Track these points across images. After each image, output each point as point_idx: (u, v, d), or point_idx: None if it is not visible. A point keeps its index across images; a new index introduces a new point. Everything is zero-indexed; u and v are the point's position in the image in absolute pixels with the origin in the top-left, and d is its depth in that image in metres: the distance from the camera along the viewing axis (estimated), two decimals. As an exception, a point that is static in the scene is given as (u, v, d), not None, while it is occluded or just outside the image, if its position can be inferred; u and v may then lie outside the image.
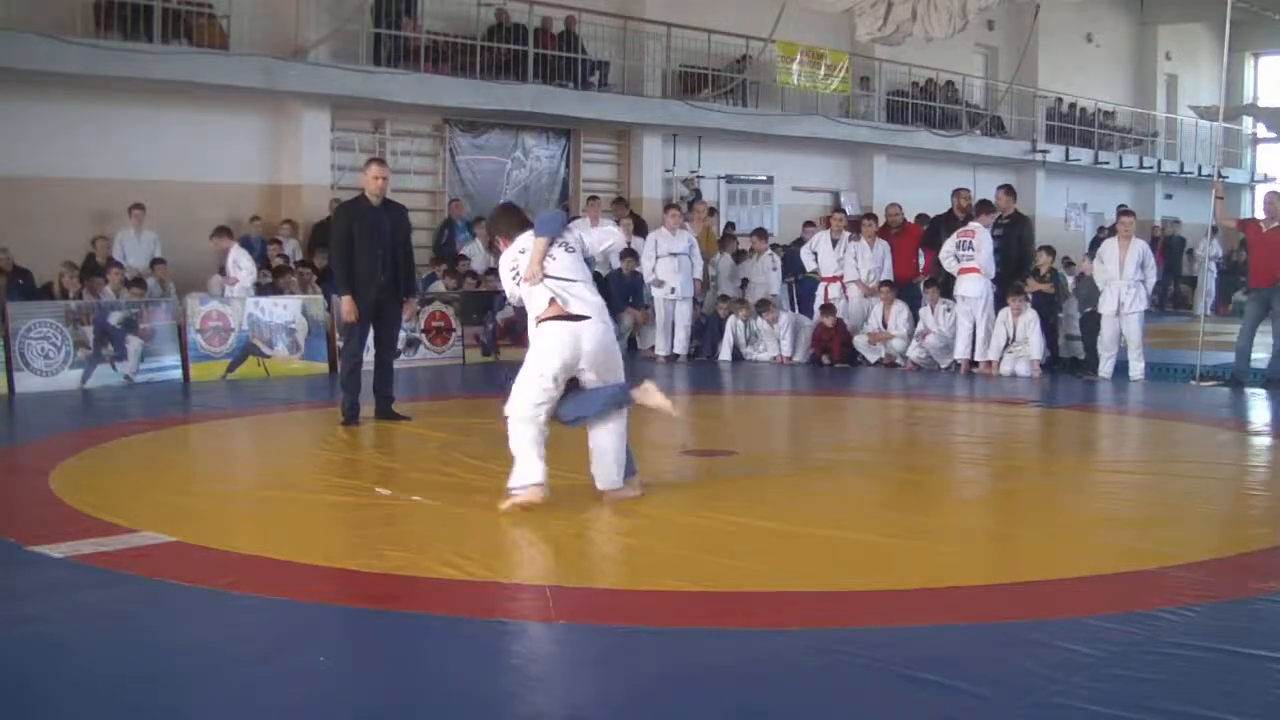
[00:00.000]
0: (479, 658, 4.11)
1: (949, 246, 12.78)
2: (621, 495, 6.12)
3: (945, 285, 13.10)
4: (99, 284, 12.00)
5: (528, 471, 5.86)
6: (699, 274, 14.17)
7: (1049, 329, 12.74)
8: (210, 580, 4.86)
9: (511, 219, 6.48)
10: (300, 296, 12.66)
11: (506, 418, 5.95)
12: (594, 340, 5.97)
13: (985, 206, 13.08)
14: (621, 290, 14.37)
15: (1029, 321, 12.37)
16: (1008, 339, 12.47)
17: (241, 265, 12.51)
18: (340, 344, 11.12)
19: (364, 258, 8.59)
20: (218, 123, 14.42)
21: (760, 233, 15.66)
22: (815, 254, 14.29)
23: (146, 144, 13.82)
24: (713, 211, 17.28)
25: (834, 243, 14.05)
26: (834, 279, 13.97)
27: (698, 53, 19.15)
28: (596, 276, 13.93)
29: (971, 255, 12.58)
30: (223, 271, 12.69)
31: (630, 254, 14.39)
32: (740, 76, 19.26)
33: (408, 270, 9.04)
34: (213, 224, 13.18)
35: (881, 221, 14.35)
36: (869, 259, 13.76)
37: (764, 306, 13.83)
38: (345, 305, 8.74)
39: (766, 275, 14.94)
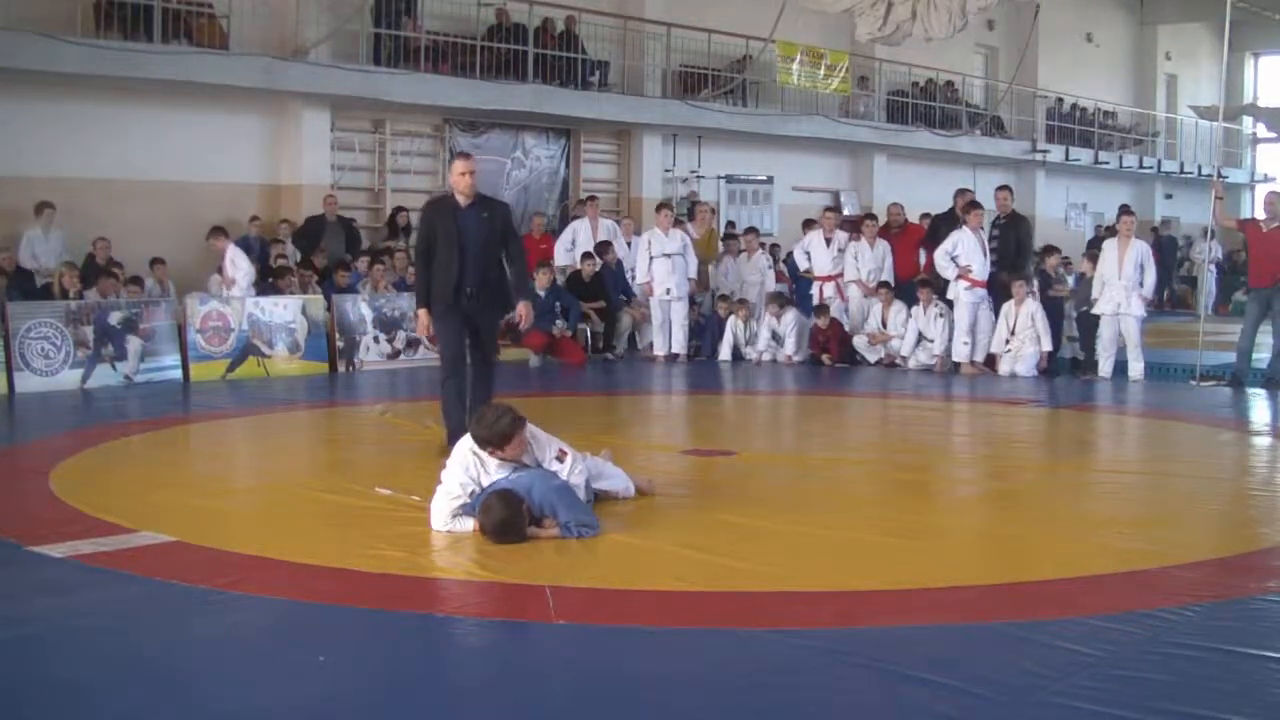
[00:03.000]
0: (479, 658, 4.11)
1: (944, 249, 12.79)
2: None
3: (940, 286, 13.13)
4: (109, 286, 11.90)
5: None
6: (693, 274, 14.18)
7: (1057, 326, 12.79)
8: (210, 580, 4.85)
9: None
10: (300, 296, 12.66)
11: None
12: None
13: (974, 206, 13.08)
14: (615, 285, 14.37)
15: (1032, 312, 12.40)
16: (1009, 332, 12.48)
17: (239, 265, 12.47)
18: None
19: (443, 263, 7.54)
20: (218, 123, 14.41)
21: (751, 231, 15.68)
22: (808, 254, 14.29)
23: (146, 144, 13.80)
24: (712, 213, 17.29)
25: (828, 242, 14.06)
26: (829, 278, 13.99)
27: (698, 53, 19.14)
28: (597, 277, 14.13)
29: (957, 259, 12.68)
30: (220, 272, 12.68)
31: (606, 246, 14.41)
32: (740, 76, 19.26)
33: (518, 270, 7.84)
34: (212, 224, 13.16)
35: (883, 221, 14.37)
36: (869, 259, 13.78)
37: (779, 300, 13.77)
38: (419, 320, 7.94)
39: (761, 274, 14.95)
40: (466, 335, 7.69)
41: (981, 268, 12.68)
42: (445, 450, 7.20)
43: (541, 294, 13.29)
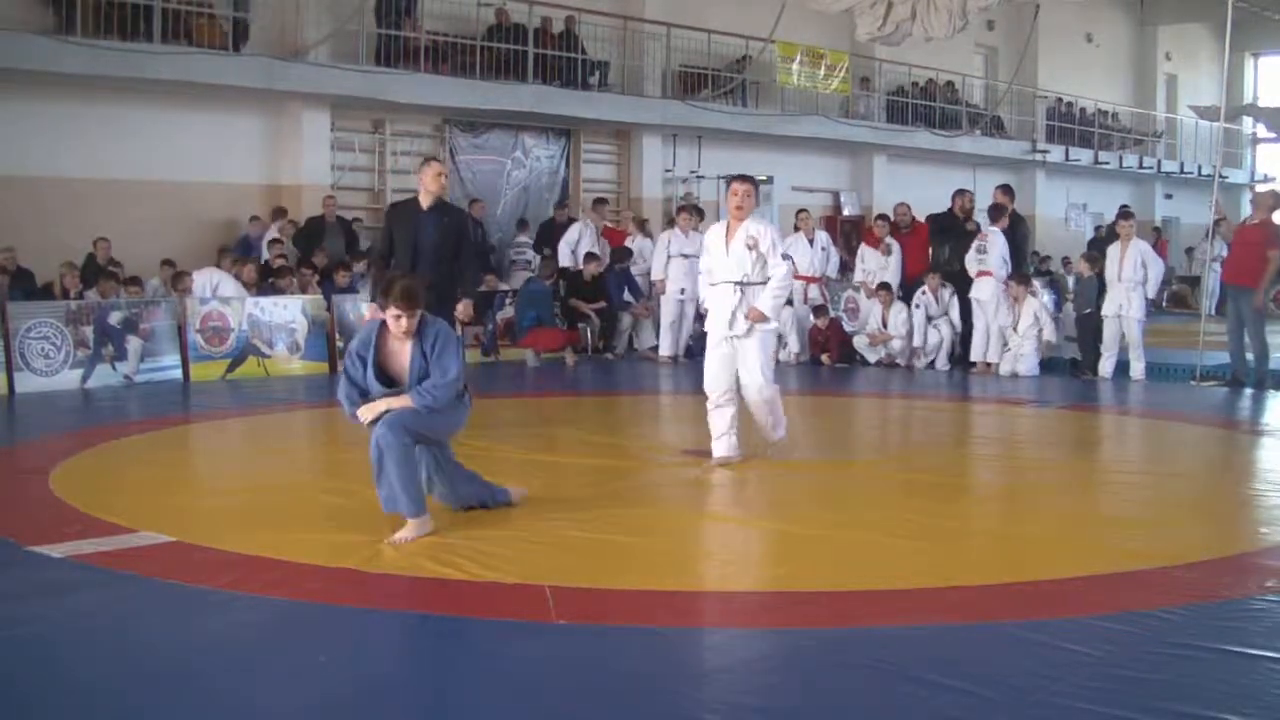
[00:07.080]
0: (479, 658, 4.11)
1: (971, 252, 12.81)
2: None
3: (950, 280, 13.13)
4: (109, 286, 11.86)
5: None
6: None
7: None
8: (210, 580, 4.86)
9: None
10: (300, 296, 12.66)
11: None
12: None
13: (998, 211, 13.03)
14: (618, 287, 14.36)
15: (1035, 309, 12.43)
16: (1010, 330, 12.50)
17: (227, 288, 12.19)
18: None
19: (399, 265, 7.82)
20: (218, 123, 14.41)
21: None
22: (788, 256, 14.25)
23: (146, 144, 13.81)
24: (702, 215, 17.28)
25: (810, 243, 14.07)
26: (813, 279, 14.01)
27: (698, 53, 19.15)
28: (598, 278, 14.15)
29: (985, 259, 12.63)
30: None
31: (626, 253, 14.42)
32: (740, 76, 19.26)
33: (470, 273, 8.31)
34: (213, 224, 13.18)
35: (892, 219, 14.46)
36: (872, 262, 13.85)
37: None
38: (368, 313, 7.89)
39: None
40: None
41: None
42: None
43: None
